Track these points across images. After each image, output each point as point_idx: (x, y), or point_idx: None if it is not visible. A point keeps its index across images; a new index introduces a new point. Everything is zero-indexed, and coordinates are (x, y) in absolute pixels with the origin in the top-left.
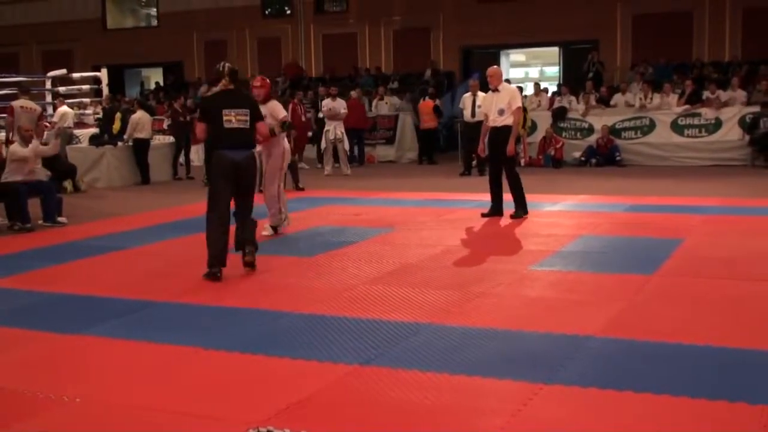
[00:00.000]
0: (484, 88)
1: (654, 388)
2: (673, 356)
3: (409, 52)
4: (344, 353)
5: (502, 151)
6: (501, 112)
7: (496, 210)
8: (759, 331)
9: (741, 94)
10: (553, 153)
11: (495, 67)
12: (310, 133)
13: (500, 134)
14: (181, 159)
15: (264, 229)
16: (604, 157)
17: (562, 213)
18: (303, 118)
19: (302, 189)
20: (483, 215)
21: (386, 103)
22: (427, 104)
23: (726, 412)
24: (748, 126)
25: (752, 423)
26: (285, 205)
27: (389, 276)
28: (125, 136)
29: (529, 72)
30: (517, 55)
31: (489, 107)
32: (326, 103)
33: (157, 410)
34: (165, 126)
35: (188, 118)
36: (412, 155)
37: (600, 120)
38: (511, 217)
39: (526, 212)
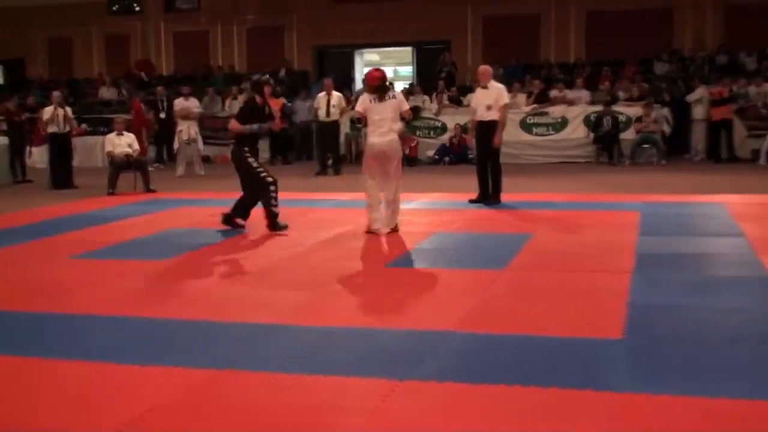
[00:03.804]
0: (338, 88)
1: (507, 379)
2: (525, 348)
3: (263, 51)
4: (201, 358)
5: (489, 143)
6: (488, 108)
7: (483, 197)
8: (606, 321)
9: (585, 94)
10: (407, 151)
11: (485, 66)
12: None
13: (488, 128)
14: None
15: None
16: (457, 155)
17: (416, 211)
18: (145, 117)
19: (153, 191)
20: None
21: (240, 102)
22: (275, 103)
23: (574, 399)
24: (593, 125)
25: (599, 408)
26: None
27: (246, 277)
28: None
29: None
30: (371, 55)
31: (477, 103)
32: (178, 103)
33: None
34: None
35: (24, 117)
36: (266, 155)
37: (453, 119)
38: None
39: (500, 201)
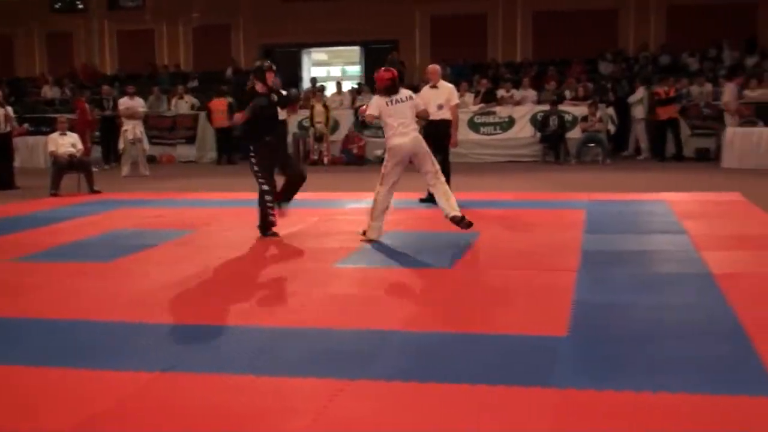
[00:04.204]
0: (285, 88)
1: (455, 378)
2: (472, 346)
3: (210, 50)
4: (146, 360)
5: (440, 142)
6: (440, 107)
7: (432, 195)
8: (552, 318)
9: (532, 94)
10: (355, 151)
11: (434, 65)
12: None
13: (439, 127)
14: None
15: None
16: None
17: (365, 210)
18: (90, 117)
19: (98, 191)
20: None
21: (186, 102)
22: (219, 103)
23: (521, 396)
24: (539, 124)
25: (546, 403)
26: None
27: (193, 278)
28: None
29: (330, 71)
30: (318, 54)
31: (427, 102)
32: (123, 102)
33: None
34: None
35: None
36: (213, 155)
37: None
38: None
39: None
